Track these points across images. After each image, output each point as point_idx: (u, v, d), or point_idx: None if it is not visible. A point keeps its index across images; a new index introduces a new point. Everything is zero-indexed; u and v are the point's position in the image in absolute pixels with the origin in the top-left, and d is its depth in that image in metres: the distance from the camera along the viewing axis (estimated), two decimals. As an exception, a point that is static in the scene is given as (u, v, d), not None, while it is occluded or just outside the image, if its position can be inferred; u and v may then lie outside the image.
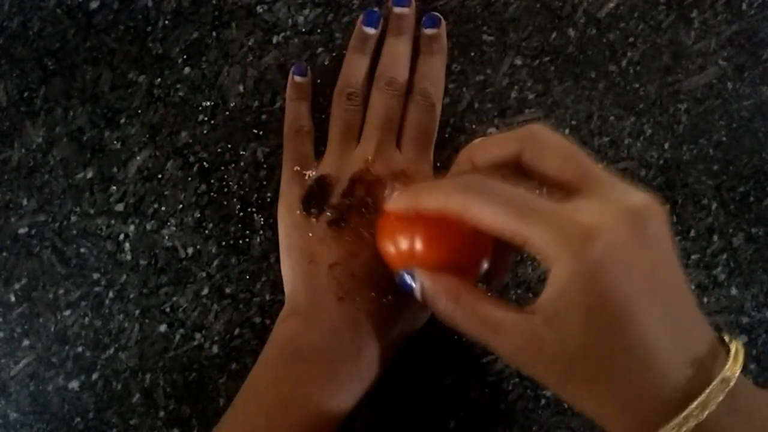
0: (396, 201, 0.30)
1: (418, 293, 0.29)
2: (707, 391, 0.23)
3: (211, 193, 0.40)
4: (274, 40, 0.41)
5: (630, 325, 0.24)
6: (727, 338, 0.26)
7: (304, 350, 0.33)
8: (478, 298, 0.27)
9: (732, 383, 0.24)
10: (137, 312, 0.39)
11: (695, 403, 0.23)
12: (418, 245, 0.29)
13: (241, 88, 0.41)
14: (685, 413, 0.23)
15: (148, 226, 0.40)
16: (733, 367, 0.24)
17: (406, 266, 0.30)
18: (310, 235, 0.35)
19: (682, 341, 0.25)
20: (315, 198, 0.36)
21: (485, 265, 0.30)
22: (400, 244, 0.29)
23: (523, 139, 0.28)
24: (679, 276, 0.26)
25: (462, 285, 0.28)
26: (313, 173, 0.37)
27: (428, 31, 0.39)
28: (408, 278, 0.29)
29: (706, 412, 0.23)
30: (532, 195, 0.26)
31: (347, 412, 0.33)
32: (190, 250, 0.40)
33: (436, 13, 0.39)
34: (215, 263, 0.40)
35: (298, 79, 0.39)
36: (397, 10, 0.39)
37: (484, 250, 0.30)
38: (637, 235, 0.24)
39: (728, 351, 0.25)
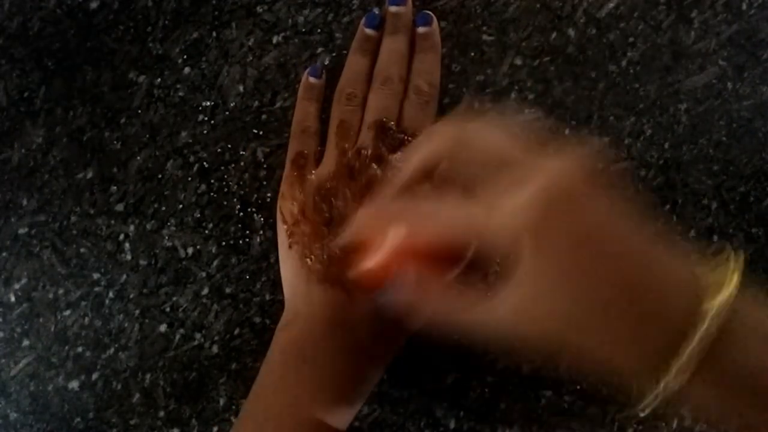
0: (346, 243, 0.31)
1: (406, 307, 0.29)
2: (713, 305, 0.23)
3: (211, 193, 0.40)
4: (274, 40, 0.41)
5: (605, 266, 0.24)
6: (725, 253, 0.26)
7: (307, 353, 0.33)
8: (457, 294, 0.27)
9: (732, 296, 0.24)
10: (137, 312, 0.39)
11: (707, 321, 0.23)
12: (390, 264, 0.29)
13: (241, 88, 0.41)
14: (698, 335, 0.23)
15: (148, 226, 0.40)
16: (729, 280, 0.24)
17: (383, 283, 0.29)
18: None
19: (664, 267, 0.25)
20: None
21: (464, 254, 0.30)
22: (371, 268, 0.29)
23: (446, 152, 0.28)
24: (624, 214, 0.26)
25: (437, 285, 0.28)
26: (313, 174, 0.37)
27: (421, 30, 0.39)
28: (391, 295, 0.29)
29: (715, 328, 0.23)
30: (457, 201, 0.26)
31: (355, 412, 0.33)
32: (190, 250, 0.40)
33: (428, 12, 0.39)
34: (215, 263, 0.40)
35: (312, 80, 0.40)
36: (393, 9, 0.39)
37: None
38: (594, 188, 0.25)
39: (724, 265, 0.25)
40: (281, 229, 0.37)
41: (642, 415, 0.25)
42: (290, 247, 0.36)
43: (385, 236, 0.28)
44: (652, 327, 0.24)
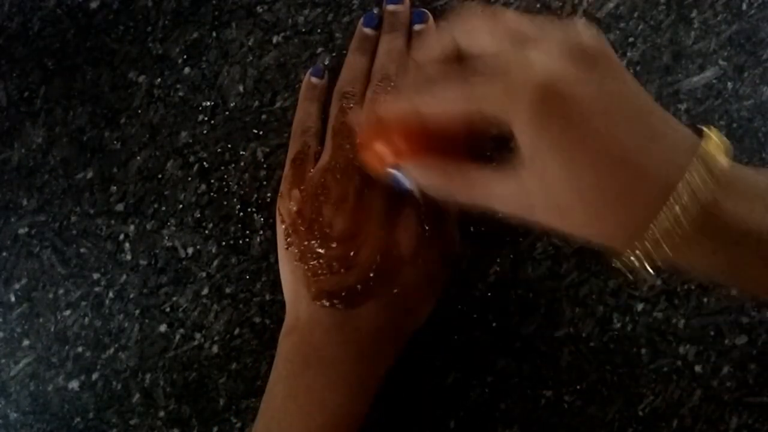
0: (366, 115, 0.32)
1: (413, 187, 0.30)
2: (688, 174, 0.23)
3: (211, 193, 0.40)
4: (274, 40, 0.41)
5: (600, 141, 0.24)
6: (705, 129, 0.25)
7: (312, 358, 0.33)
8: (465, 170, 0.28)
9: (713, 162, 0.23)
10: (137, 312, 0.39)
11: (679, 187, 0.23)
12: (399, 143, 0.30)
13: (241, 88, 0.41)
14: (670, 201, 0.23)
15: (148, 226, 0.40)
16: (707, 146, 0.24)
17: (392, 167, 0.31)
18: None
19: (656, 139, 0.25)
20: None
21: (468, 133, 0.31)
22: (382, 148, 0.30)
23: (453, 30, 0.29)
24: (639, 92, 0.26)
25: (447, 163, 0.29)
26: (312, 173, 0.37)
27: (417, 27, 0.39)
28: (400, 176, 0.31)
29: (697, 198, 0.23)
30: (467, 72, 0.27)
31: (365, 412, 0.33)
32: (190, 250, 0.40)
33: (424, 9, 0.39)
34: (215, 263, 0.40)
35: (314, 80, 0.40)
36: (390, 7, 0.39)
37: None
38: (581, 69, 0.25)
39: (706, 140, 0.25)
40: (280, 229, 0.37)
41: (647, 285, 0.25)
42: (288, 247, 0.36)
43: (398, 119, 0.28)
44: (637, 200, 0.24)
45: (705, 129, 0.25)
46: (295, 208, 0.36)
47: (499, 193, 0.27)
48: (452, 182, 0.29)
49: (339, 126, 0.38)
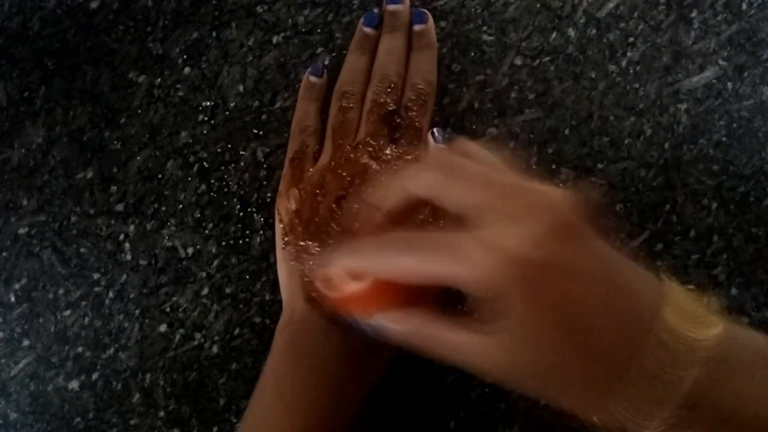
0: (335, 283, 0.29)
1: (395, 334, 0.28)
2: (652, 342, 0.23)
3: (211, 193, 0.40)
4: (274, 40, 0.41)
5: (590, 318, 0.24)
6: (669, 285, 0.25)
7: (303, 359, 0.33)
8: (436, 327, 0.26)
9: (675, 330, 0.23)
10: (137, 312, 0.39)
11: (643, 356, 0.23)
12: (371, 294, 0.27)
13: (241, 88, 0.41)
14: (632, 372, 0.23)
15: (148, 226, 0.40)
16: (669, 317, 0.23)
17: (365, 313, 0.28)
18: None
19: (620, 316, 0.24)
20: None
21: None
22: (352, 306, 0.28)
23: (444, 179, 0.26)
24: (610, 254, 0.25)
25: (421, 317, 0.27)
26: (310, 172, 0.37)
27: (417, 27, 0.39)
28: (377, 324, 0.28)
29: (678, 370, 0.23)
30: (441, 233, 0.25)
31: (355, 412, 0.33)
32: (190, 250, 0.40)
33: (424, 9, 0.39)
34: (215, 263, 0.40)
35: (312, 79, 0.40)
36: (390, 7, 0.39)
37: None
38: (561, 238, 0.24)
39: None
40: (278, 228, 0.37)
41: None
42: (284, 247, 0.36)
43: (364, 273, 0.26)
44: (640, 377, 0.23)
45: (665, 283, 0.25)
46: (293, 208, 0.36)
47: (477, 357, 0.25)
48: (424, 337, 0.26)
49: (338, 125, 0.38)
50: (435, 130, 0.36)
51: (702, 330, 0.24)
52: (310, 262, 0.34)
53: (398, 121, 0.38)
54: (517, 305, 0.23)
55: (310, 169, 0.37)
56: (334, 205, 0.35)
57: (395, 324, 0.27)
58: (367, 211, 0.31)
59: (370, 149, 0.36)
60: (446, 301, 0.29)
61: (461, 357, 0.26)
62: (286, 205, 0.36)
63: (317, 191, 0.35)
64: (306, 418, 0.32)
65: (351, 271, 0.27)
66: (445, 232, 0.25)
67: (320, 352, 0.33)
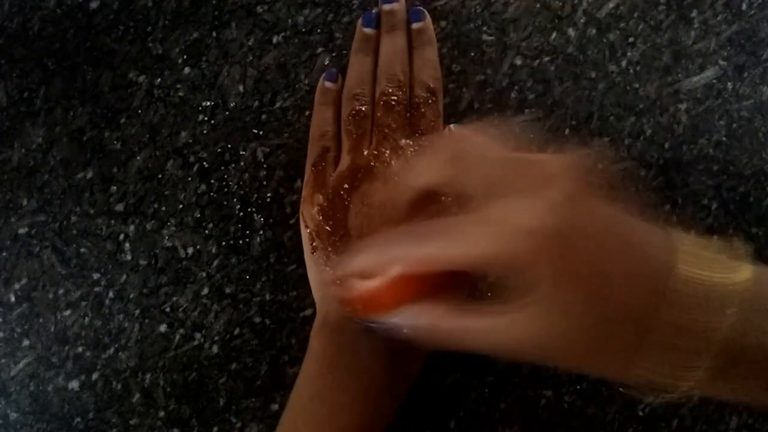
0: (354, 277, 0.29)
1: (412, 332, 0.28)
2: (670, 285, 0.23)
3: (211, 193, 0.40)
4: (274, 40, 0.41)
5: (611, 276, 0.24)
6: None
7: (340, 360, 0.33)
8: (461, 317, 0.26)
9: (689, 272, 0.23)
10: (137, 312, 0.39)
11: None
12: (393, 290, 0.27)
13: (241, 88, 0.41)
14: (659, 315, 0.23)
15: (148, 226, 0.40)
16: (684, 262, 0.24)
17: (387, 312, 0.28)
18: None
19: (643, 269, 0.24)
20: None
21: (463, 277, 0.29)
22: (371, 294, 0.28)
23: (449, 166, 0.27)
24: (620, 213, 0.25)
25: (444, 309, 0.27)
26: (332, 177, 0.37)
27: (415, 26, 0.39)
28: (398, 321, 0.28)
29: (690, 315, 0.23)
30: (456, 217, 0.25)
31: (392, 414, 0.33)
32: (190, 250, 0.40)
33: (420, 7, 0.40)
34: (215, 263, 0.40)
35: (328, 84, 0.39)
36: (386, 7, 0.39)
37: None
38: (575, 203, 0.24)
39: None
40: (305, 234, 0.37)
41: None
42: (313, 252, 0.36)
43: (388, 268, 0.26)
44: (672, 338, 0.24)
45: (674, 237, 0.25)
46: (318, 213, 0.36)
47: (512, 336, 0.25)
48: (451, 328, 0.27)
49: (353, 127, 0.38)
50: (452, 126, 0.37)
51: (727, 274, 0.24)
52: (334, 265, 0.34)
53: (411, 118, 0.38)
54: (543, 276, 0.24)
55: (332, 174, 0.37)
56: (358, 205, 0.35)
57: (419, 319, 0.27)
58: (385, 207, 0.31)
59: (388, 148, 0.36)
60: (455, 297, 0.28)
61: (493, 341, 0.26)
62: (310, 210, 0.36)
63: (341, 193, 0.36)
64: (345, 419, 0.32)
65: (362, 271, 0.27)
66: (461, 216, 0.25)
67: (359, 351, 0.33)
